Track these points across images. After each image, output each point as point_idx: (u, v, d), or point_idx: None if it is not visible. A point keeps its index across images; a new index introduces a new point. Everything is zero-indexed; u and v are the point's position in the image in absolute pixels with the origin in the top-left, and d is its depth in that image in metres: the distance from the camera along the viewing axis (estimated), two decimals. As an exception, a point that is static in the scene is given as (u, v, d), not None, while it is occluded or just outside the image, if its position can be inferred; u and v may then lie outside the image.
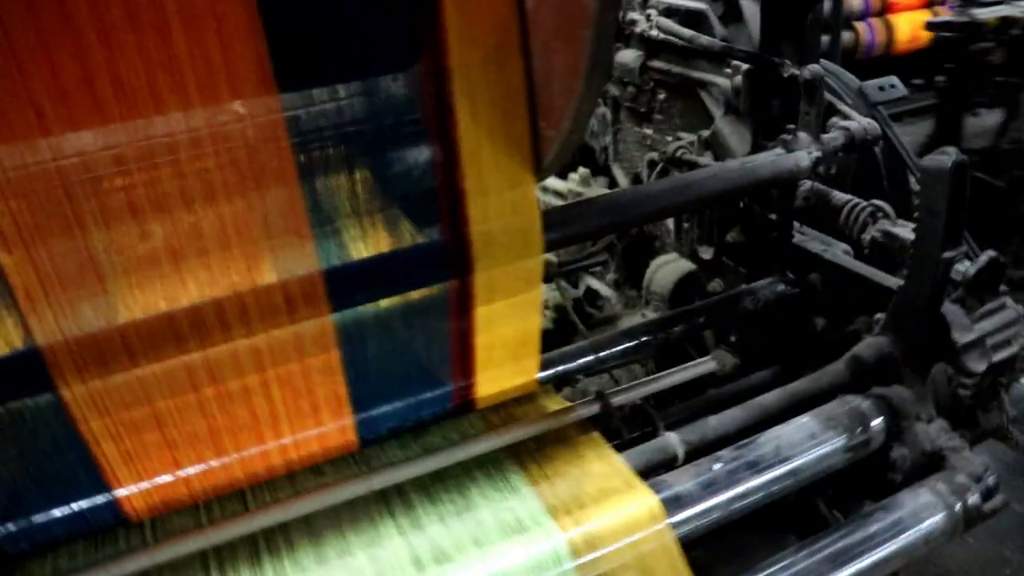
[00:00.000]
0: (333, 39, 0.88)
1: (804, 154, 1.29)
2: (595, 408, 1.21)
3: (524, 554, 0.97)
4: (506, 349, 1.15)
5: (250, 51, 0.84)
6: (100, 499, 0.98)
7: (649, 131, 2.15)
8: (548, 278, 1.75)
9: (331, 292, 0.97)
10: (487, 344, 1.13)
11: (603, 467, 1.10)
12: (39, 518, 0.96)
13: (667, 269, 1.84)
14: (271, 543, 1.01)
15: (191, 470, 1.01)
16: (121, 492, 0.99)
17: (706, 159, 1.83)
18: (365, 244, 0.98)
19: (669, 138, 2.03)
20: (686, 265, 1.84)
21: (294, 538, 1.02)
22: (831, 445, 1.15)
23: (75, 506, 0.97)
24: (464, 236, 1.01)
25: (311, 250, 0.95)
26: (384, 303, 1.02)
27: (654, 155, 1.97)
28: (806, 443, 1.14)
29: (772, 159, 1.29)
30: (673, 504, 1.04)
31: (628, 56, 2.02)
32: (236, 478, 1.05)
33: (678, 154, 1.85)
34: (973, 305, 1.22)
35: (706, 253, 1.70)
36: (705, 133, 1.90)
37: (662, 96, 2.06)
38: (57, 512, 0.97)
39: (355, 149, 0.93)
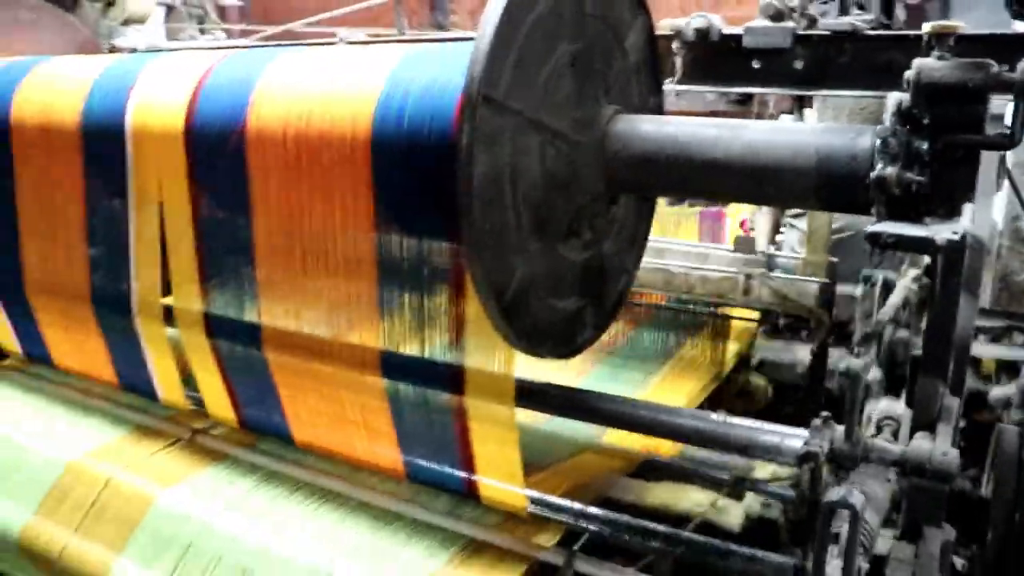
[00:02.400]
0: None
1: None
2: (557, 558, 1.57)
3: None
4: (497, 468, 1.62)
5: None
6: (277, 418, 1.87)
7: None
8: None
9: (382, 363, 1.65)
10: (482, 456, 1.63)
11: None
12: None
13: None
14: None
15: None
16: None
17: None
18: (408, 346, 1.62)
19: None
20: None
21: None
22: None
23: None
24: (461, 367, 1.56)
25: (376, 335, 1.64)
26: (412, 389, 1.64)
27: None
28: None
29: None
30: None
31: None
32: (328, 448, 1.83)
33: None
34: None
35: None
36: None
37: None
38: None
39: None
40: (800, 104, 2.11)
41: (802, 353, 2.37)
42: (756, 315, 2.41)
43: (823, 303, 2.06)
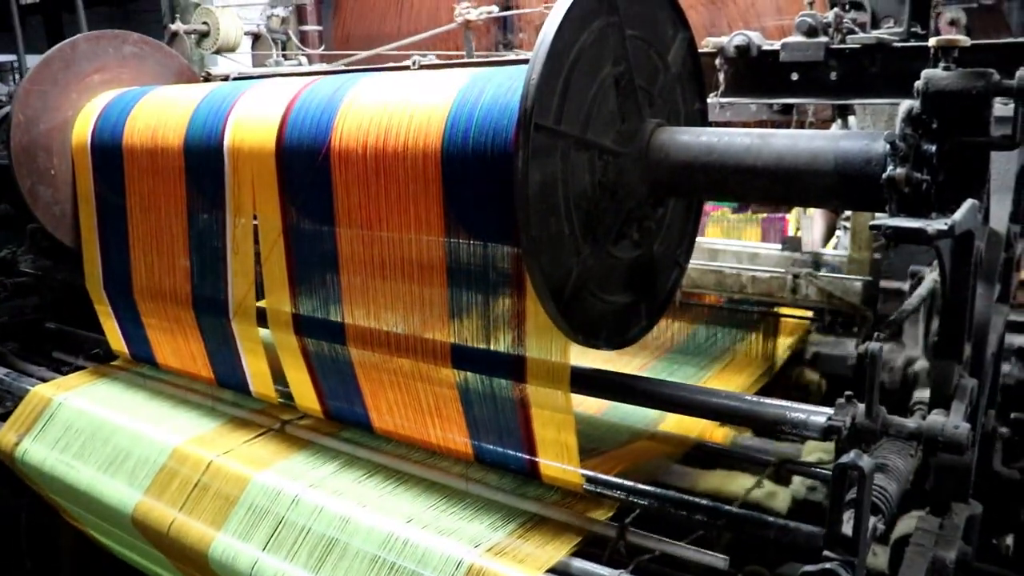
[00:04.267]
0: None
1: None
2: (610, 531, 1.78)
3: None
4: (556, 449, 1.83)
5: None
6: (359, 409, 2.13)
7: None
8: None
9: (453, 355, 1.89)
10: (542, 439, 1.85)
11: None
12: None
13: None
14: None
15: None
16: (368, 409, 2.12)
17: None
18: (475, 339, 1.86)
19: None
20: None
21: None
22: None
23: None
24: (523, 357, 1.79)
25: (447, 330, 1.88)
26: (480, 378, 1.87)
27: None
28: None
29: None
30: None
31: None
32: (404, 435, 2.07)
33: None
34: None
35: None
36: None
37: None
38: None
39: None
40: (843, 112, 2.28)
41: (852, 347, 2.52)
42: (809, 313, 2.57)
43: (866, 300, 2.21)
